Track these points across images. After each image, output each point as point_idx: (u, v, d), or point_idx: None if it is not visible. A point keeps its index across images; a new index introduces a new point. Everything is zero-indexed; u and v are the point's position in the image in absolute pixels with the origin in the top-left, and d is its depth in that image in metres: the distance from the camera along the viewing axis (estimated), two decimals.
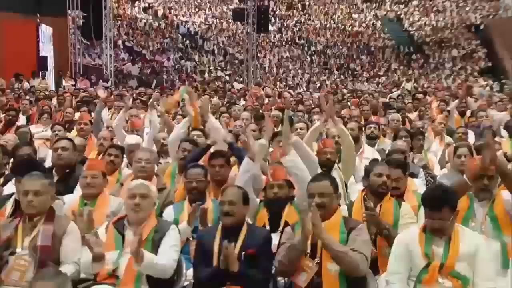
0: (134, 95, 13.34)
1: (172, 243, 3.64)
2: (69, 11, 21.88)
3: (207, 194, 4.49)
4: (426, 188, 4.36)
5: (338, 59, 31.63)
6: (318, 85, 25.58)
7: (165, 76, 25.89)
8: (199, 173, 4.47)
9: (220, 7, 36.51)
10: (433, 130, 7.68)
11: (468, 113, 9.55)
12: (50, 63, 20.60)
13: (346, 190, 5.21)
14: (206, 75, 26.99)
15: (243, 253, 3.45)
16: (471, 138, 7.13)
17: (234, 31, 33.25)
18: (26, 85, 17.14)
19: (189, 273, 3.77)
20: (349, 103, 12.18)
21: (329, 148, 5.19)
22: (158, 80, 24.52)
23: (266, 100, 13.10)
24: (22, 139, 6.72)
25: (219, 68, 29.05)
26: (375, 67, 30.31)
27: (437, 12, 34.81)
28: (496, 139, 6.83)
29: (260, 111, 9.67)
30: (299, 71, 30.02)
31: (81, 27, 22.79)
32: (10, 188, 4.70)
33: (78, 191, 4.61)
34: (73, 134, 7.21)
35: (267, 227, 4.15)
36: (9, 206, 4.25)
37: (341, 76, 29.23)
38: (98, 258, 3.41)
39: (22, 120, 9.33)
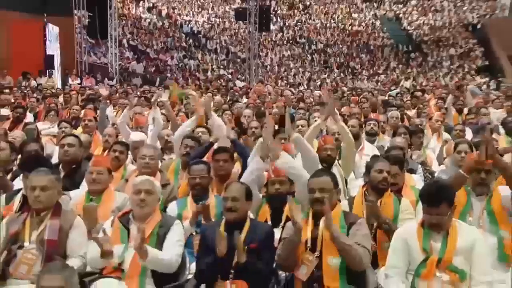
0: (138, 93, 13.35)
1: (177, 238, 3.66)
2: (75, 11, 21.89)
3: (210, 190, 4.49)
4: (424, 184, 4.35)
5: (338, 58, 31.57)
6: (319, 83, 25.54)
7: (168, 75, 25.87)
8: (202, 169, 4.48)
9: (222, 6, 36.48)
10: (431, 127, 7.67)
11: (466, 110, 9.54)
12: (57, 61, 20.62)
13: (346, 186, 5.22)
14: (209, 73, 26.98)
15: (246, 247, 3.44)
16: (469, 135, 7.12)
17: (236, 30, 33.21)
18: (33, 83, 17.17)
19: (192, 266, 3.77)
20: (349, 101, 12.15)
21: (330, 145, 5.20)
22: (162, 78, 24.52)
23: (268, 98, 13.09)
24: (30, 136, 6.73)
25: (221, 66, 29.03)
26: (374, 65, 30.25)
27: (435, 11, 34.73)
28: (494, 136, 6.84)
29: (262, 108, 9.66)
30: (300, 69, 29.96)
31: (86, 27, 22.80)
32: (18, 183, 4.72)
33: (84, 186, 4.61)
34: (79, 131, 7.21)
35: (269, 222, 4.15)
36: (17, 201, 4.26)
37: (341, 74, 29.18)
38: (106, 254, 3.41)
39: (29, 117, 9.33)
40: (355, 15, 36.33)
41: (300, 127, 6.47)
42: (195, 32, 32.08)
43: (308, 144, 4.93)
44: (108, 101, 10.28)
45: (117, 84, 19.85)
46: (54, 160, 5.57)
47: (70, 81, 19.11)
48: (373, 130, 6.92)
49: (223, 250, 3.42)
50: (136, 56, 26.80)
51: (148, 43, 28.57)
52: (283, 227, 3.83)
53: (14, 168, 5.22)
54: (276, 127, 6.92)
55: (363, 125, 7.05)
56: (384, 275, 3.49)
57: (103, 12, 22.20)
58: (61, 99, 12.38)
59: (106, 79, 21.33)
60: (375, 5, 37.03)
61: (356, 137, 6.07)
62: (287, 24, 35.64)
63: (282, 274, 3.68)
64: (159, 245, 3.59)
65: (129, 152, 5.83)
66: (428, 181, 5.15)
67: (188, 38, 31.04)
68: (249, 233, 3.56)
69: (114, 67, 22.92)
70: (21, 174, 4.52)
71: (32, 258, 3.48)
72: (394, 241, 3.47)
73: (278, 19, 35.54)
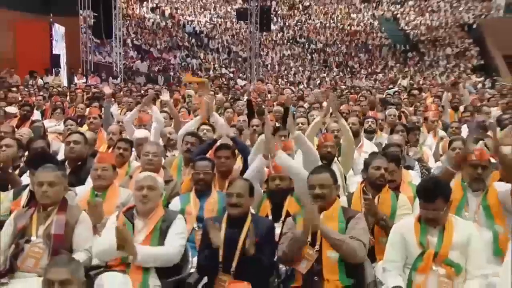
0: (142, 91, 13.36)
1: (179, 231, 3.66)
2: (80, 11, 21.92)
3: (212, 186, 4.49)
4: (421, 180, 4.36)
5: (337, 57, 31.56)
6: (318, 81, 25.53)
7: (171, 73, 25.89)
8: (207, 166, 4.49)
9: (224, 7, 36.46)
10: (426, 127, 7.67)
11: (461, 108, 9.53)
12: (63, 60, 20.64)
13: (345, 182, 5.22)
14: (211, 72, 26.96)
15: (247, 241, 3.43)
16: (464, 132, 7.11)
17: (237, 30, 33.20)
18: (40, 81, 17.18)
19: (195, 260, 3.77)
20: (348, 99, 12.13)
21: (329, 142, 5.20)
22: (165, 77, 24.52)
23: (269, 96, 13.09)
24: (36, 133, 6.74)
25: (223, 65, 29.02)
26: (372, 64, 30.23)
27: (432, 12, 34.70)
28: (489, 133, 6.83)
29: (262, 106, 9.66)
30: (300, 68, 29.97)
31: (92, 27, 22.82)
32: (25, 179, 4.72)
33: (89, 182, 4.61)
34: (84, 128, 7.22)
35: (270, 217, 4.15)
36: (24, 196, 4.28)
37: (340, 73, 29.15)
38: (122, 246, 3.41)
39: (36, 115, 9.34)
40: (353, 15, 36.29)
41: (300, 124, 6.47)
42: (198, 32, 32.08)
43: (309, 142, 4.93)
44: (113, 99, 10.29)
45: (121, 83, 19.87)
46: (60, 156, 5.57)
47: (76, 80, 19.13)
48: (371, 128, 6.92)
49: (217, 240, 3.42)
50: (140, 55, 26.80)
51: (152, 43, 28.57)
52: (283, 222, 3.83)
53: (21, 165, 5.23)
54: (277, 124, 6.93)
55: (363, 123, 7.05)
56: (381, 268, 3.50)
57: (108, 12, 22.22)
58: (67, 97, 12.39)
59: (110, 77, 21.33)
60: (373, 5, 36.98)
61: (356, 134, 6.09)
62: (287, 24, 35.62)
63: (282, 267, 3.68)
64: (162, 239, 3.60)
65: (133, 149, 5.84)
66: (425, 177, 5.15)
67: (190, 37, 31.03)
68: (250, 228, 3.56)
69: (118, 66, 22.93)
70: (28, 170, 4.52)
71: (39, 252, 3.48)
72: (391, 235, 3.47)
73: (279, 19, 35.51)
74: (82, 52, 22.28)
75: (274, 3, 35.41)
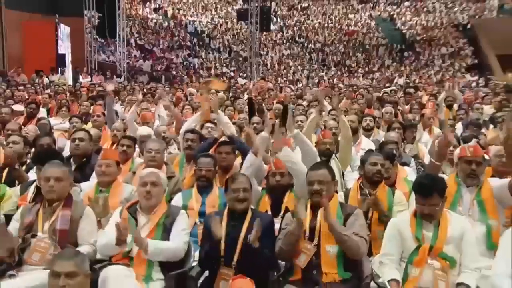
0: (145, 90, 13.35)
1: (182, 227, 3.66)
2: (85, 12, 21.91)
3: (214, 182, 4.50)
4: (417, 176, 4.35)
5: (335, 56, 31.49)
6: (317, 80, 25.50)
7: (174, 72, 25.87)
8: (209, 162, 4.50)
9: (225, 7, 36.39)
10: (423, 124, 7.66)
11: (456, 106, 9.52)
12: (68, 60, 20.66)
13: (343, 178, 5.21)
14: (212, 71, 26.94)
15: (249, 235, 3.44)
16: (459, 129, 7.11)
17: (238, 30, 33.13)
18: (45, 80, 17.16)
19: (197, 254, 3.78)
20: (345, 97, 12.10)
21: (328, 139, 5.20)
22: (167, 76, 24.51)
23: (267, 95, 13.06)
24: (42, 130, 6.74)
25: (224, 64, 28.98)
26: (369, 63, 30.15)
27: (427, 12, 34.61)
28: (483, 130, 6.84)
29: (262, 104, 9.64)
30: (299, 67, 29.90)
31: (96, 27, 22.81)
32: (31, 175, 4.72)
33: (94, 178, 4.62)
34: (89, 126, 7.22)
35: (269, 213, 4.14)
36: (30, 191, 4.28)
37: (338, 72, 29.10)
38: (121, 242, 3.42)
39: (42, 112, 9.33)
40: (351, 16, 36.20)
41: (299, 122, 6.47)
42: (199, 31, 32.01)
43: (307, 139, 4.92)
44: (117, 97, 10.27)
45: (124, 82, 19.87)
46: (66, 153, 5.57)
47: (81, 79, 19.13)
48: (369, 126, 6.93)
49: (219, 233, 3.42)
50: (143, 54, 26.78)
51: (155, 42, 28.54)
52: (282, 217, 3.83)
53: (28, 161, 5.23)
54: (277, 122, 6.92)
55: (361, 121, 7.04)
56: (378, 262, 3.50)
57: (112, 12, 22.20)
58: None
59: (114, 76, 21.34)
60: (370, 6, 36.92)
61: (355, 131, 6.10)
62: (286, 24, 35.54)
63: (281, 262, 3.68)
64: (166, 234, 3.60)
65: (137, 146, 5.83)
66: (421, 173, 5.15)
67: (192, 37, 30.98)
68: (251, 222, 3.55)
69: (122, 65, 22.92)
70: (35, 166, 4.52)
71: (45, 246, 3.49)
72: (388, 230, 3.47)
73: (278, 20, 35.44)
74: (87, 51, 22.28)
75: (273, 4, 35.34)
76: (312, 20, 35.96)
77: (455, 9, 33.69)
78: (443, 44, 29.94)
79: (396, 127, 6.36)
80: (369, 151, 4.66)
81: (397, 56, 30.48)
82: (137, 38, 28.16)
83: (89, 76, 19.81)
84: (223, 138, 5.44)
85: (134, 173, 4.89)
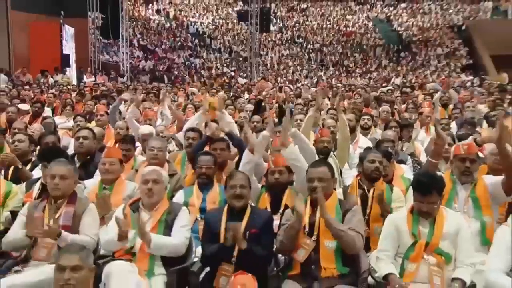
0: (147, 90, 13.33)
1: (184, 223, 3.66)
2: (89, 13, 21.91)
3: (214, 180, 4.49)
4: (417, 174, 4.36)
5: (333, 57, 31.47)
6: (315, 80, 25.49)
7: (175, 72, 25.86)
8: (209, 160, 4.49)
9: (226, 9, 36.37)
10: (421, 122, 7.66)
11: (451, 105, 9.51)
12: (72, 60, 20.66)
13: (341, 175, 5.21)
14: (213, 71, 26.93)
15: (248, 232, 3.44)
16: (454, 128, 7.11)
17: (238, 31, 33.10)
18: (50, 80, 17.14)
19: (198, 250, 3.78)
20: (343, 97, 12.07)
21: (326, 137, 5.20)
22: (169, 76, 24.50)
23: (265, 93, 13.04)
24: (47, 129, 6.74)
25: (225, 64, 28.97)
26: (367, 63, 30.14)
27: (423, 14, 34.61)
28: (477, 129, 6.84)
29: (263, 103, 9.63)
30: (298, 67, 29.88)
31: (100, 28, 22.80)
32: (36, 173, 4.72)
33: (97, 176, 4.61)
34: (93, 124, 7.21)
35: (269, 210, 4.14)
36: (36, 189, 4.28)
37: (336, 72, 29.09)
38: (123, 238, 3.42)
39: (47, 111, 9.33)
40: (349, 17, 36.17)
41: (298, 121, 6.46)
42: (200, 32, 32.00)
43: (305, 137, 4.91)
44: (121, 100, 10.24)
45: (127, 81, 19.87)
46: (70, 151, 5.56)
47: (85, 79, 19.14)
48: (367, 125, 6.92)
49: (230, 240, 3.42)
50: (145, 55, 26.78)
51: (157, 43, 28.54)
52: (282, 214, 3.83)
53: (33, 159, 5.23)
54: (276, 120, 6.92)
55: (359, 120, 7.04)
56: (375, 257, 3.50)
57: (115, 14, 22.23)
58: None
59: (117, 76, 21.33)
60: (368, 7, 36.90)
61: (353, 130, 6.10)
62: (286, 25, 35.51)
63: (281, 257, 3.67)
64: (168, 230, 3.59)
65: (139, 144, 5.82)
66: (417, 171, 5.15)
67: (193, 38, 30.98)
68: (250, 219, 3.56)
69: (125, 65, 22.93)
70: (40, 164, 4.52)
71: (51, 242, 3.49)
72: (386, 226, 3.47)
73: (278, 21, 35.42)
74: (91, 52, 22.28)
75: (273, 5, 35.29)
76: (311, 21, 35.93)
77: (451, 10, 33.71)
78: (438, 44, 29.93)
79: (393, 125, 6.36)
80: (368, 149, 4.65)
81: (394, 57, 30.47)
82: (140, 39, 28.15)
83: (93, 76, 19.81)
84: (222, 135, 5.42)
85: (136, 170, 4.89)
